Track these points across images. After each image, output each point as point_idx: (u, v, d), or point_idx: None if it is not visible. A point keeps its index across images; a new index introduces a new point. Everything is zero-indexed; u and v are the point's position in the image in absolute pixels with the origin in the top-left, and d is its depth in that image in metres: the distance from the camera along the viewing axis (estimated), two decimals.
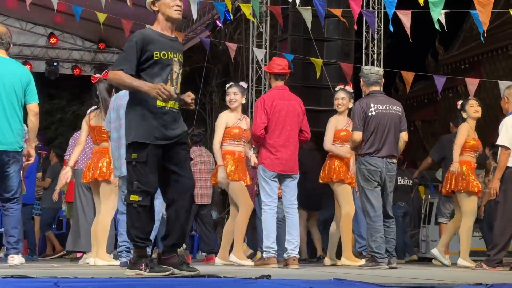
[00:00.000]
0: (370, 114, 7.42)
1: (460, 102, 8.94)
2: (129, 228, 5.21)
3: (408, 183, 12.05)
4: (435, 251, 8.97)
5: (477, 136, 8.78)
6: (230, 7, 11.48)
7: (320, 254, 10.04)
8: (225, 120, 8.11)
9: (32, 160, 6.58)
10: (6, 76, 6.24)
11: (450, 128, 10.39)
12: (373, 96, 7.57)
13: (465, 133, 8.66)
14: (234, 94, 8.15)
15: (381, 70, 7.83)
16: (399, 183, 11.98)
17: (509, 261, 8.23)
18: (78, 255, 9.85)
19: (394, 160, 7.61)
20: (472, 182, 8.65)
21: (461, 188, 8.68)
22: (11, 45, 6.56)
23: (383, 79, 7.77)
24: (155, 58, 5.24)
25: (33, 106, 6.37)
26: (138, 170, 5.16)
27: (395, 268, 7.36)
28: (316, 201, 10.03)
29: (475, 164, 8.84)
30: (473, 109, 8.69)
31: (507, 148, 7.76)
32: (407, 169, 12.81)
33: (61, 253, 11.69)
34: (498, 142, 7.88)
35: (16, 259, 6.18)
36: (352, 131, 7.59)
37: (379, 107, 7.48)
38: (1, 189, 6.33)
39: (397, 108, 7.60)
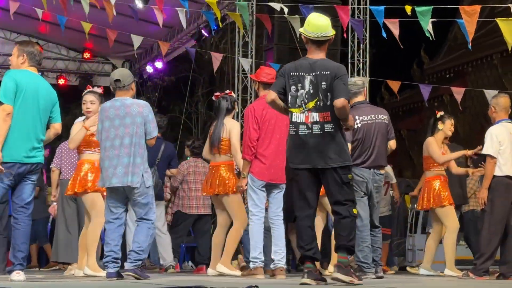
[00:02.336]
0: (356, 126, 7.37)
1: (441, 113, 9.05)
2: (350, 237, 5.81)
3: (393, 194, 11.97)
4: (422, 271, 8.98)
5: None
6: (219, 15, 11.46)
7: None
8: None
9: None
10: (39, 93, 6.45)
11: None
12: (357, 108, 7.53)
13: (436, 146, 8.76)
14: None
15: (359, 80, 7.81)
16: None
17: (496, 270, 8.24)
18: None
19: (382, 171, 7.60)
20: (444, 196, 8.75)
21: (434, 205, 8.77)
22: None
23: (364, 88, 7.77)
24: None
25: (58, 126, 6.64)
26: (353, 188, 6.08)
27: (382, 277, 7.36)
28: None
29: (446, 177, 8.92)
30: (452, 128, 8.93)
31: (492, 157, 7.80)
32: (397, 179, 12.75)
33: (54, 267, 11.64)
34: (484, 151, 7.92)
35: (21, 275, 6.11)
36: None
37: (364, 118, 7.47)
38: (15, 196, 6.42)
39: (383, 117, 7.59)
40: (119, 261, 6.75)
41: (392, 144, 7.68)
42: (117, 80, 6.88)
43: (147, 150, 6.93)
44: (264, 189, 7.49)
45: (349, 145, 7.35)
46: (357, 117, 7.41)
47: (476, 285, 6.21)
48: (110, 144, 6.78)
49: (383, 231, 9.97)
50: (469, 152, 8.77)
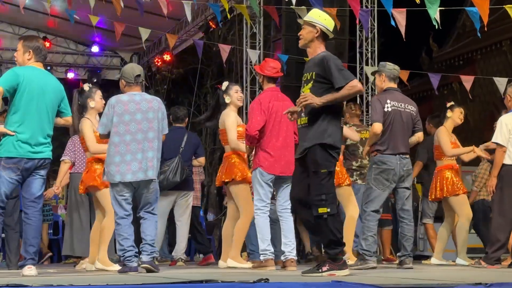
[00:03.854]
0: (386, 109, 7.46)
1: (451, 103, 9.11)
2: None
3: None
4: (434, 261, 9.01)
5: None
6: (226, 6, 11.44)
7: (308, 251, 10.03)
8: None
9: None
10: (46, 89, 6.46)
11: (428, 128, 10.37)
12: (390, 92, 7.62)
13: (447, 136, 8.80)
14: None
15: (398, 67, 7.86)
16: None
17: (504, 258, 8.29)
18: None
19: (407, 156, 7.61)
20: (457, 184, 8.78)
21: (448, 194, 8.78)
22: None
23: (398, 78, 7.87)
24: None
25: (70, 119, 6.81)
26: None
27: (411, 268, 7.34)
28: None
29: (457, 166, 8.99)
30: (461, 116, 8.95)
31: (501, 146, 7.82)
32: None
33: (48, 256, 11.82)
34: (493, 140, 7.97)
35: (33, 270, 6.19)
36: (371, 124, 7.60)
37: (395, 104, 7.52)
38: (24, 191, 6.47)
39: (411, 108, 7.65)
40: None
41: (420, 135, 7.74)
42: (139, 75, 6.97)
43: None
44: (271, 183, 7.49)
45: (379, 124, 7.41)
46: (388, 101, 7.50)
47: (488, 274, 6.21)
48: (130, 138, 6.78)
49: (383, 217, 10.01)
50: (477, 150, 8.82)
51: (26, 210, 6.41)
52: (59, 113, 6.66)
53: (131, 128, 6.79)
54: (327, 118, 5.84)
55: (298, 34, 6.13)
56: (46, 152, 6.47)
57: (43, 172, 6.47)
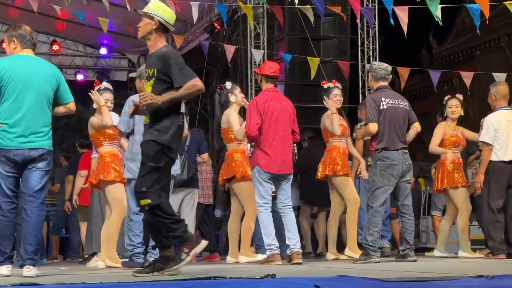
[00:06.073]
0: (382, 107, 7.58)
1: (447, 98, 9.22)
2: None
3: None
4: (436, 253, 9.14)
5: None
6: (241, 5, 11.67)
7: (320, 251, 10.22)
8: None
9: None
10: (35, 75, 6.02)
11: (437, 121, 10.60)
12: (382, 91, 7.72)
13: (440, 132, 8.96)
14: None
15: (389, 67, 7.94)
16: None
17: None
18: (86, 256, 10.03)
19: (407, 151, 7.73)
20: (456, 178, 8.91)
21: (447, 186, 8.95)
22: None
23: (391, 76, 7.94)
24: None
25: (71, 105, 6.26)
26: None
27: (415, 260, 7.49)
28: (324, 197, 10.21)
29: (460, 159, 9.07)
30: (450, 110, 9.01)
31: (488, 144, 8.16)
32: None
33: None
34: (480, 138, 8.31)
35: (32, 270, 5.65)
36: (367, 123, 7.69)
37: (389, 101, 7.63)
38: (23, 186, 5.99)
39: (404, 103, 7.77)
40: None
41: (417, 126, 7.85)
42: None
43: None
44: (270, 181, 7.68)
45: (374, 125, 7.54)
46: (383, 99, 7.61)
47: (490, 266, 6.25)
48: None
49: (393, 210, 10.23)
50: (448, 153, 8.90)
51: (24, 206, 5.88)
52: (58, 100, 6.17)
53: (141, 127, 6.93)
54: (167, 117, 5.70)
55: (137, 25, 5.87)
56: (40, 142, 5.95)
57: (41, 165, 5.92)
